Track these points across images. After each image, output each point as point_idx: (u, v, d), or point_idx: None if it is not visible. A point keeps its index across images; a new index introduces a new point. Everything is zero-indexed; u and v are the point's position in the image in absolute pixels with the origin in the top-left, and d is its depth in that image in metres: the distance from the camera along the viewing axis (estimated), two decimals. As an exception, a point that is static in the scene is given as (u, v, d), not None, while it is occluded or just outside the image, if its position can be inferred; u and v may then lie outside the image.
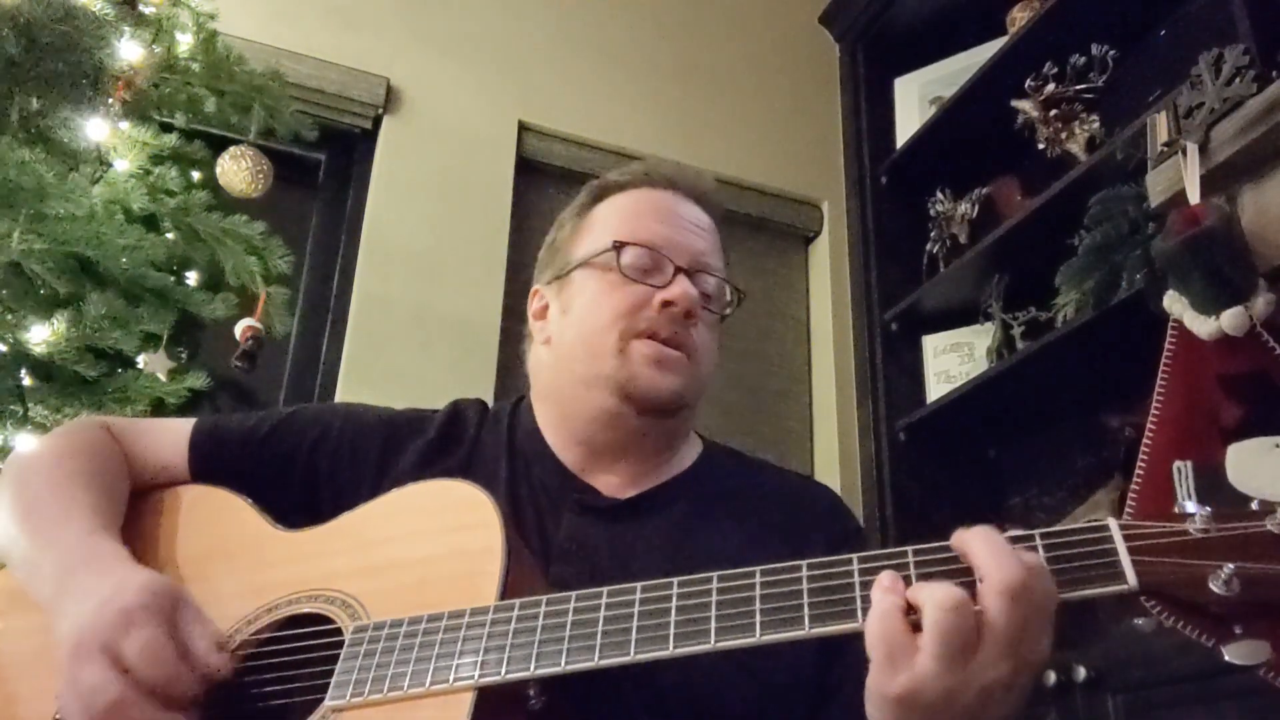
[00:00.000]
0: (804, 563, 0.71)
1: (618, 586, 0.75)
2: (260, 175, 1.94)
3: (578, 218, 1.09)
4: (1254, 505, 0.61)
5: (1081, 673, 1.64)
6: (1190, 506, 0.63)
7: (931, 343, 2.66)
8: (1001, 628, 0.62)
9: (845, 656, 0.89)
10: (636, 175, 1.09)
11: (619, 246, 1.00)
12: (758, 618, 0.69)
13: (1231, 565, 0.60)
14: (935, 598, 0.63)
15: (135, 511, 0.99)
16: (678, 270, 1.00)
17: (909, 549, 0.68)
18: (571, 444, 1.01)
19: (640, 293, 0.99)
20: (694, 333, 0.99)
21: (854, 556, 0.70)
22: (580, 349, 1.00)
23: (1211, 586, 0.60)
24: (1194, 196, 1.69)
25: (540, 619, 0.75)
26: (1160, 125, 1.83)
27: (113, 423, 1.05)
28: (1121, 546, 0.64)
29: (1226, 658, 0.60)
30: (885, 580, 0.66)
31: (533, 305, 1.10)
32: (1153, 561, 0.62)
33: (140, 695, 0.74)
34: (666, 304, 0.97)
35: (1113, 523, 0.65)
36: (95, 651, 0.75)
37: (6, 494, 0.96)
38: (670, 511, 0.98)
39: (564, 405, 1.02)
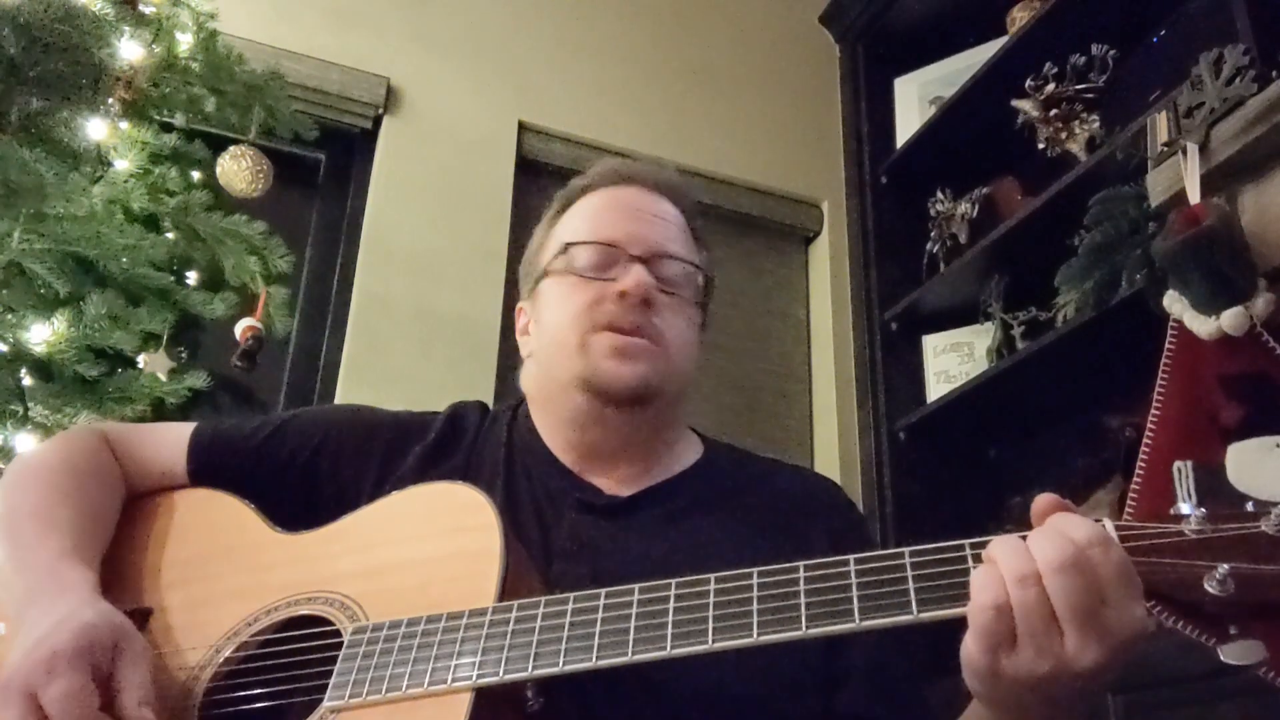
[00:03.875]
0: (801, 564, 0.71)
1: (616, 588, 0.75)
2: (260, 175, 1.94)
3: (546, 229, 1.10)
4: (1249, 506, 0.62)
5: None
6: (1185, 508, 0.63)
7: (931, 343, 2.66)
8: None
9: (852, 648, 0.89)
10: (596, 177, 1.09)
11: (569, 247, 1.02)
12: (755, 618, 0.69)
13: (1226, 566, 0.60)
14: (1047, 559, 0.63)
15: (135, 515, 0.99)
16: (634, 260, 0.99)
17: (905, 550, 0.68)
18: (567, 447, 1.02)
19: (597, 288, 0.99)
20: (658, 321, 0.98)
21: (851, 558, 0.70)
22: (551, 354, 1.01)
23: (1207, 587, 0.60)
24: (1194, 196, 1.68)
25: (538, 620, 0.75)
26: (1160, 125, 1.83)
27: (110, 429, 1.05)
28: (1118, 548, 0.64)
29: (1223, 658, 0.60)
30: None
31: (518, 323, 1.11)
32: (1148, 562, 0.62)
33: None
34: (623, 295, 0.97)
35: (1108, 523, 0.65)
36: (17, 694, 0.73)
37: None
38: (671, 510, 0.98)
39: (551, 413, 1.03)
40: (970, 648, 0.65)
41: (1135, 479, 1.65)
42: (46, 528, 0.90)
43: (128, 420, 1.67)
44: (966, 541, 0.68)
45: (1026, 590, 0.62)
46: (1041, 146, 2.35)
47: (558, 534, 0.95)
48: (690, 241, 1.07)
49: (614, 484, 1.00)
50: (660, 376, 0.98)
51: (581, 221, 1.05)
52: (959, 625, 0.66)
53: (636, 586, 0.74)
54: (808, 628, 0.67)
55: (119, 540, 0.95)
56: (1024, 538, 0.66)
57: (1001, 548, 0.65)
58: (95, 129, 1.63)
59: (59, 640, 0.76)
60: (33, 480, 0.96)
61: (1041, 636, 0.62)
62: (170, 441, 1.03)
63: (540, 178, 2.56)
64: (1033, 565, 0.63)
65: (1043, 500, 0.68)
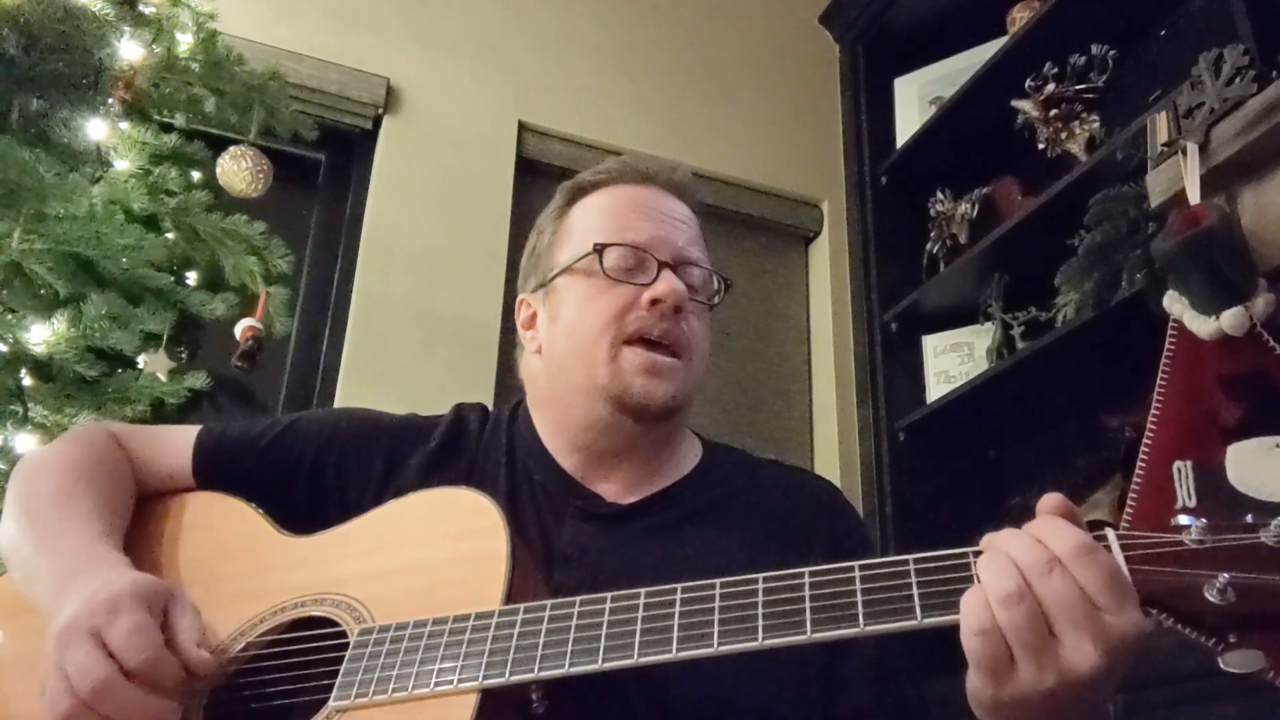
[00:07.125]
0: (806, 569, 0.71)
1: (622, 592, 0.75)
2: (260, 175, 1.94)
3: (556, 221, 1.07)
4: (1249, 517, 0.62)
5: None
6: (1185, 519, 0.64)
7: (931, 343, 2.66)
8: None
9: (853, 653, 0.90)
10: (611, 172, 1.07)
11: (600, 249, 0.99)
12: (760, 622, 0.69)
13: (1226, 575, 0.61)
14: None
15: (142, 517, 0.99)
16: (662, 266, 0.98)
17: (909, 557, 0.68)
18: (570, 450, 1.01)
19: (627, 293, 0.97)
20: (684, 327, 0.98)
21: (855, 564, 0.70)
22: (573, 358, 0.99)
23: (1207, 596, 0.61)
24: (1194, 196, 1.69)
25: (544, 623, 0.75)
26: (1160, 125, 1.83)
27: (118, 429, 1.05)
28: (1119, 556, 0.65)
29: (1223, 666, 0.61)
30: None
31: (520, 314, 1.09)
32: (1149, 570, 0.63)
33: (126, 679, 0.75)
34: (655, 301, 0.96)
35: (1110, 532, 0.66)
36: (83, 634, 0.76)
37: (11, 500, 0.96)
38: (672, 517, 0.98)
39: (561, 413, 1.02)
40: (973, 679, 0.65)
41: (1135, 479, 1.65)
42: (71, 516, 0.91)
43: (128, 420, 1.67)
44: (970, 550, 0.68)
45: (1011, 610, 0.62)
46: (1041, 146, 2.36)
47: (559, 541, 0.95)
48: (702, 244, 1.06)
49: (616, 490, 1.00)
50: (686, 391, 0.99)
51: (604, 219, 1.02)
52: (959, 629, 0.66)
53: (642, 590, 0.74)
54: (812, 632, 0.68)
55: (126, 541, 0.95)
56: None
57: (987, 568, 0.64)
58: (95, 129, 1.62)
59: (118, 587, 0.79)
60: (50, 473, 0.97)
61: (1039, 649, 0.62)
62: (176, 443, 1.04)
63: (540, 178, 2.56)
64: (1016, 583, 0.62)
65: (1044, 501, 0.68)
